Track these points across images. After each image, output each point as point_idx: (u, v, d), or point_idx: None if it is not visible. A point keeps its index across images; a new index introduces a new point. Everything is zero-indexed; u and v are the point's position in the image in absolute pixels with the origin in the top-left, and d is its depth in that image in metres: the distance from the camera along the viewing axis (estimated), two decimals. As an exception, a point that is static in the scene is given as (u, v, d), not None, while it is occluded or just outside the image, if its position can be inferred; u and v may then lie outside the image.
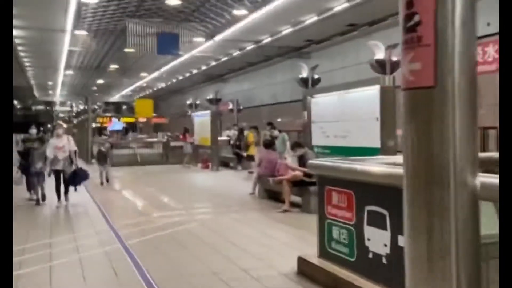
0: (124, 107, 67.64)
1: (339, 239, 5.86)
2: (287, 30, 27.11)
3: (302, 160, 11.01)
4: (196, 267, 6.76)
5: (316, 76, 13.61)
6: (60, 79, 47.09)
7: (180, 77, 46.73)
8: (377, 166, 5.36)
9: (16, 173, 12.38)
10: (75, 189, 12.66)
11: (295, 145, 11.28)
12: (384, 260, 5.08)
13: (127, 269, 6.70)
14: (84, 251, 7.75)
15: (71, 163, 12.28)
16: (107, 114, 51.49)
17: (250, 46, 31.20)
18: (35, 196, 12.60)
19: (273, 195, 12.66)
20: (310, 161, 6.47)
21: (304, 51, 31.41)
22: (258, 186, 13.12)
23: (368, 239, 5.34)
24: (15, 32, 28.41)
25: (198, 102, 24.48)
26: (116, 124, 43.30)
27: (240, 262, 6.94)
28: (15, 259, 7.13)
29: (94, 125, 53.84)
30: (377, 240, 5.19)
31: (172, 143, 26.47)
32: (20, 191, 12.76)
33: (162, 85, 52.47)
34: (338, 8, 22.57)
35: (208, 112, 21.18)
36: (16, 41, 30.44)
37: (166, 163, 25.18)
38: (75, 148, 12.79)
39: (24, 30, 28.16)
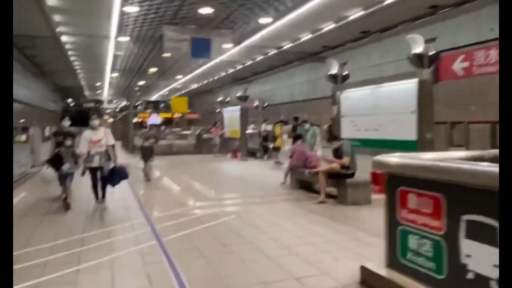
0: (162, 105, 66.05)
1: (418, 250, 4.02)
2: (306, 36, 25.32)
3: (338, 152, 9.19)
4: (241, 274, 4.95)
5: (345, 73, 11.66)
6: (106, 80, 45.61)
7: (210, 79, 45.02)
8: (485, 167, 3.50)
9: (46, 168, 9.15)
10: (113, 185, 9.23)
11: (331, 138, 9.42)
12: (493, 285, 3.26)
13: (162, 275, 4.90)
14: (117, 250, 5.96)
15: (109, 159, 9.04)
16: (147, 111, 50.04)
17: (272, 52, 29.38)
18: (64, 195, 9.10)
19: (305, 185, 10.84)
20: (375, 158, 4.61)
21: (320, 55, 29.46)
22: (290, 176, 11.30)
23: (468, 256, 3.51)
24: (66, 39, 26.94)
25: (228, 99, 22.66)
26: (155, 119, 41.78)
27: (290, 267, 5.12)
28: (41, 260, 5.45)
29: (136, 119, 52.62)
30: (483, 259, 3.35)
31: (205, 135, 24.76)
32: (54, 189, 9.98)
33: (195, 86, 50.79)
34: (353, 16, 20.88)
35: (238, 107, 19.41)
36: (67, 46, 28.95)
37: (198, 153, 23.47)
38: (113, 141, 9.36)
39: (74, 36, 26.66)
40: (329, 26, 22.96)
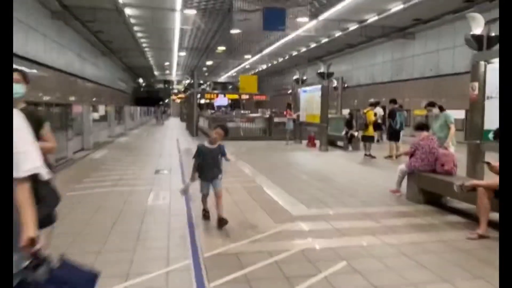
0: (230, 86, 63.11)
1: None
2: (396, 7, 20.93)
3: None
4: None
5: (492, 34, 7.52)
6: (175, 59, 43.04)
7: (280, 59, 41.27)
8: None
9: None
10: None
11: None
12: None
13: None
14: None
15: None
16: (215, 92, 47.23)
17: (353, 27, 25.16)
18: None
19: (433, 198, 7.01)
20: None
21: (408, 31, 24.93)
22: (408, 183, 7.48)
23: None
24: (130, 11, 24.10)
25: (305, 77, 18.71)
26: (222, 100, 38.72)
27: None
28: None
29: (203, 101, 49.79)
30: None
31: (276, 119, 21.09)
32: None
33: (263, 66, 47.22)
34: (459, -21, 16.48)
35: (318, 87, 15.55)
36: (132, 21, 26.17)
37: (268, 138, 19.88)
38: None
39: (138, 9, 23.76)
40: (428, -8, 18.63)
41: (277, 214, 6.47)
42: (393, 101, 13.19)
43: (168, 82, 66.02)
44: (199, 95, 36.45)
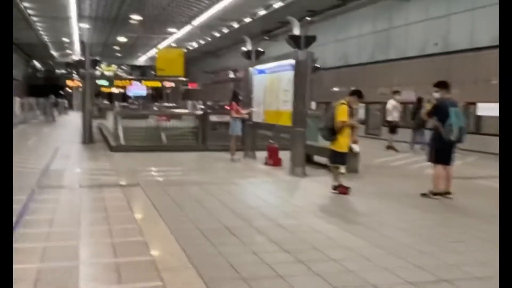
0: (152, 72, 55.89)
1: None
2: None
3: None
4: None
5: None
6: (75, 34, 35.79)
7: (216, 34, 34.86)
8: None
9: None
10: None
11: None
12: None
13: None
14: None
15: None
16: (129, 78, 40.36)
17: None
18: None
19: None
20: None
21: (401, -11, 19.43)
22: None
23: None
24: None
25: (261, 49, 12.45)
26: (138, 88, 31.76)
27: None
28: None
29: (117, 90, 42.73)
30: None
31: (213, 117, 14.68)
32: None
33: (194, 45, 40.53)
34: None
35: (287, 63, 9.29)
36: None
37: (202, 148, 13.64)
38: None
39: None
40: None
41: None
42: (443, 86, 7.38)
43: (71, 65, 57.47)
44: (105, 82, 29.79)
